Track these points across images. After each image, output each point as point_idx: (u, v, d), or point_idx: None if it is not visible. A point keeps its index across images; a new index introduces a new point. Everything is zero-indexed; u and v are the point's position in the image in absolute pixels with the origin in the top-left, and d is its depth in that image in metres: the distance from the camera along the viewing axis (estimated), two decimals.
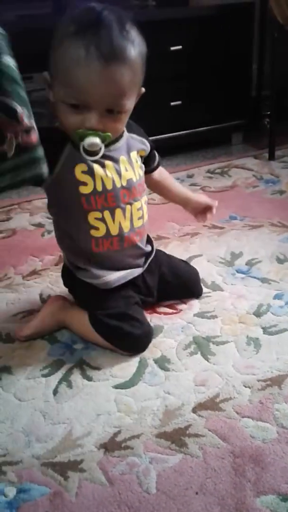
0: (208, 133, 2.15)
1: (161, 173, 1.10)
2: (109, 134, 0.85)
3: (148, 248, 1.05)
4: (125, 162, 0.93)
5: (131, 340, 0.96)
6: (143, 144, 0.99)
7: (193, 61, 2.03)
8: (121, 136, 0.94)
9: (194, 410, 0.84)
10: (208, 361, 0.95)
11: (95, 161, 0.89)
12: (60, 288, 1.16)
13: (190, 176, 1.87)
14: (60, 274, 1.10)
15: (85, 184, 0.90)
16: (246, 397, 0.86)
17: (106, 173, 0.91)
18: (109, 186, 0.91)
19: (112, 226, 0.94)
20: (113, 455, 0.77)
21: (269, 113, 2.09)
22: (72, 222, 0.95)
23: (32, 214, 1.61)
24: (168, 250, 1.34)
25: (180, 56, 1.98)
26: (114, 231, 0.94)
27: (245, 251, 1.33)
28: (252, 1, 2.09)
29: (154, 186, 1.11)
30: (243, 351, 0.97)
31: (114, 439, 0.80)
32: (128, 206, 0.95)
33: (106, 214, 0.93)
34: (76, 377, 0.93)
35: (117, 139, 0.93)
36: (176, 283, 1.10)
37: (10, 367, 0.96)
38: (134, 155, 0.96)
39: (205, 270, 1.25)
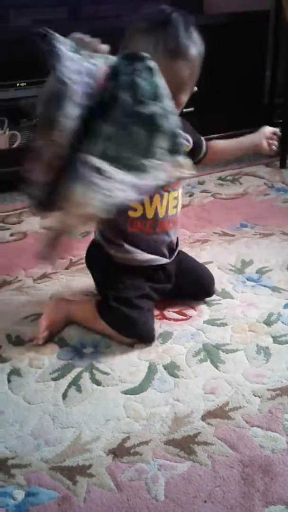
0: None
1: (212, 151, 1.14)
2: None
3: (176, 239, 1.09)
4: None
5: (130, 324, 0.99)
6: (186, 141, 1.02)
7: (206, 68, 2.03)
8: None
9: (203, 418, 0.84)
10: (217, 369, 0.95)
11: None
12: (70, 291, 1.16)
13: (201, 183, 1.87)
14: (70, 277, 1.11)
15: None
16: (256, 406, 0.86)
17: (160, 202, 1.00)
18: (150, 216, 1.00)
19: (148, 209, 1.00)
20: (122, 461, 0.77)
21: (281, 121, 2.08)
22: None
23: (43, 218, 1.62)
24: None
25: None
26: (149, 214, 1.00)
27: (256, 259, 1.33)
28: (266, 9, 2.10)
29: (213, 159, 1.18)
30: (253, 360, 0.97)
31: (123, 445, 0.80)
32: (166, 194, 1.00)
33: (145, 197, 0.95)
34: (86, 381, 0.93)
35: None
36: (191, 279, 1.12)
37: (19, 369, 0.96)
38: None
39: (216, 277, 1.24)
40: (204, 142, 1.13)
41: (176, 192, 1.03)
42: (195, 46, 0.91)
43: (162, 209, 1.01)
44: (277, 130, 1.18)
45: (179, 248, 1.13)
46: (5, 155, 1.85)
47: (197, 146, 1.09)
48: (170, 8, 0.91)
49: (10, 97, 1.87)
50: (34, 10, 2.00)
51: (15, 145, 1.89)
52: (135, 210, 1.00)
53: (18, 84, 1.86)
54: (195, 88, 0.97)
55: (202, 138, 1.14)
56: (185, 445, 0.79)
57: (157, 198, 0.99)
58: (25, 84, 1.87)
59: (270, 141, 1.18)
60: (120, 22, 1.95)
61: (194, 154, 1.09)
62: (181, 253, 1.14)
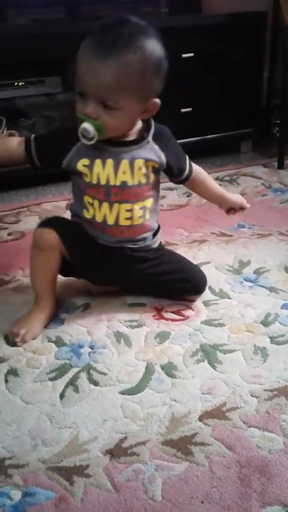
0: (218, 141, 2.16)
1: (196, 177, 1.15)
2: (102, 124, 0.93)
3: (137, 246, 1.10)
4: (125, 165, 1.00)
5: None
6: (157, 157, 1.03)
7: (204, 68, 2.03)
8: (136, 141, 1.01)
9: (200, 419, 0.84)
10: (215, 369, 0.95)
11: (99, 157, 1.00)
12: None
13: None
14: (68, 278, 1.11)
15: (85, 175, 1.02)
16: (253, 406, 0.86)
17: (103, 169, 1.00)
18: (102, 181, 1.01)
19: (98, 214, 1.04)
20: (119, 461, 0.77)
21: (279, 122, 2.09)
22: (76, 192, 1.09)
23: (41, 217, 1.62)
24: None
25: (192, 63, 1.99)
26: (98, 218, 1.05)
27: (253, 259, 1.33)
28: (264, 10, 2.10)
29: (190, 188, 1.20)
30: (250, 360, 0.97)
31: (120, 445, 0.80)
32: (116, 204, 1.03)
33: (95, 202, 1.04)
34: (83, 381, 0.93)
35: (131, 143, 1.01)
36: (179, 277, 1.12)
37: (17, 369, 0.96)
38: (139, 162, 1.01)
39: (213, 277, 1.25)
40: (187, 166, 1.11)
41: (129, 205, 1.03)
42: (133, 52, 0.88)
43: (112, 217, 1.04)
44: (247, 207, 1.21)
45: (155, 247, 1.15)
46: None
47: (174, 167, 1.08)
48: (129, 16, 0.92)
49: (8, 97, 1.86)
50: (33, 10, 2.00)
51: None
52: (88, 210, 1.05)
53: (16, 84, 1.86)
54: (155, 100, 0.97)
55: (188, 161, 1.12)
56: (182, 446, 0.79)
57: (106, 205, 1.03)
58: (23, 83, 1.87)
59: (234, 210, 1.23)
60: None
61: (172, 174, 1.10)
62: (166, 253, 1.17)
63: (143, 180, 1.03)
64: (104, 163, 1.00)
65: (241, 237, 1.45)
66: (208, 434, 0.81)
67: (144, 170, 1.02)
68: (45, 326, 1.07)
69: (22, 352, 1.01)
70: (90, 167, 1.00)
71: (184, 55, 1.96)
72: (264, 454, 0.78)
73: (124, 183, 1.01)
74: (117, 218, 1.04)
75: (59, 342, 1.04)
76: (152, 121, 1.05)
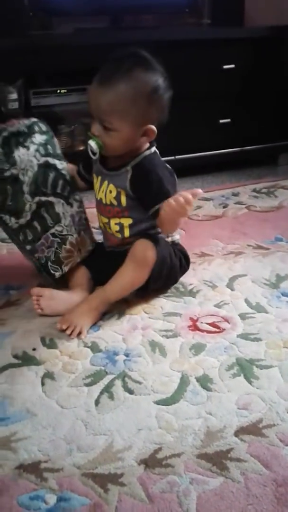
0: (256, 152, 2.15)
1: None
2: (101, 142, 1.07)
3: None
4: (104, 186, 1.15)
5: None
6: (126, 186, 1.11)
7: (245, 80, 2.03)
8: (118, 168, 1.12)
9: (236, 434, 0.83)
10: (251, 384, 0.94)
11: (97, 173, 1.17)
12: None
13: (235, 194, 1.86)
14: None
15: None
16: None
17: (96, 183, 1.18)
18: (96, 192, 1.19)
19: (100, 222, 1.23)
20: (154, 472, 0.77)
21: None
22: None
23: None
24: (212, 268, 1.35)
25: (233, 75, 1.99)
26: (100, 225, 1.23)
27: None
28: None
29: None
30: (287, 377, 0.95)
31: (155, 456, 0.80)
32: (99, 214, 1.21)
33: (98, 213, 1.22)
34: (118, 389, 0.93)
35: (113, 169, 1.13)
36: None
37: (53, 373, 0.97)
38: (111, 187, 1.14)
39: (250, 290, 1.24)
40: (159, 203, 1.06)
41: (105, 218, 1.18)
42: (126, 82, 1.01)
43: (108, 229, 1.20)
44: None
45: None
46: None
47: (143, 200, 1.11)
48: (138, 51, 1.05)
49: (50, 104, 1.90)
50: (77, 18, 2.04)
51: None
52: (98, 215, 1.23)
53: (58, 91, 1.89)
54: (151, 127, 1.07)
55: (163, 198, 1.05)
56: (218, 460, 0.79)
57: (104, 218, 1.19)
58: (65, 91, 1.90)
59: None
60: (161, 33, 1.97)
61: (142, 205, 1.12)
62: None
63: (114, 202, 1.14)
64: (97, 179, 1.17)
65: (279, 251, 1.43)
66: (244, 450, 0.80)
67: (114, 193, 1.13)
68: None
69: (59, 355, 1.02)
70: (94, 178, 1.19)
71: (225, 67, 1.96)
72: None
73: (101, 200, 1.17)
74: (111, 230, 1.18)
75: (94, 348, 1.04)
76: (147, 152, 1.12)
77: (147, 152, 1.12)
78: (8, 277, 1.33)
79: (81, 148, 1.97)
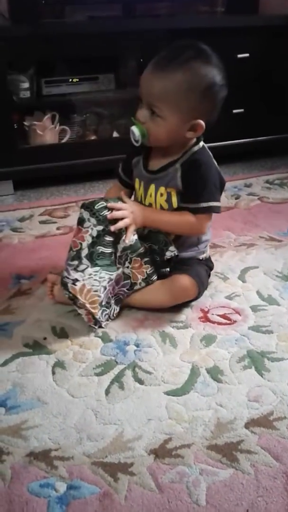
0: (269, 143, 2.12)
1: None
2: (145, 129, 1.03)
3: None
4: (152, 190, 1.11)
5: None
6: (177, 184, 1.07)
7: (259, 69, 2.00)
8: (165, 168, 1.08)
9: (246, 426, 0.83)
10: (262, 376, 0.93)
11: (139, 177, 1.14)
12: None
13: (247, 186, 1.84)
14: None
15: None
16: None
17: (139, 189, 1.14)
18: (138, 199, 1.15)
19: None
20: (163, 462, 0.77)
21: None
22: None
23: None
24: (224, 260, 1.34)
25: (247, 64, 1.96)
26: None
27: None
28: None
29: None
30: None
31: (165, 446, 0.80)
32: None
33: None
34: (128, 379, 0.93)
35: (159, 171, 1.09)
36: None
37: (64, 362, 0.98)
38: (161, 189, 1.09)
39: (261, 282, 1.23)
40: (196, 205, 1.07)
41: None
42: (182, 72, 0.98)
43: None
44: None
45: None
46: (54, 149, 1.87)
47: (187, 194, 1.08)
48: (196, 43, 1.02)
49: (62, 92, 1.89)
50: (90, 7, 2.02)
51: (64, 140, 1.91)
52: None
53: (70, 80, 1.88)
54: (198, 121, 1.02)
55: (205, 204, 1.07)
56: (228, 452, 0.78)
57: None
58: (77, 80, 1.89)
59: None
60: (174, 21, 1.94)
61: (183, 198, 1.09)
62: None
63: (165, 205, 1.10)
64: (140, 184, 1.14)
65: None
66: (254, 442, 0.80)
67: (165, 196, 1.09)
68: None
69: (69, 345, 1.02)
70: (135, 183, 1.15)
71: (239, 56, 1.94)
72: None
73: (150, 205, 1.12)
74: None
75: (105, 338, 1.04)
76: (195, 148, 1.08)
77: (196, 148, 1.08)
78: (20, 266, 1.33)
79: (93, 137, 1.97)
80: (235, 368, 0.96)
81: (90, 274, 1.03)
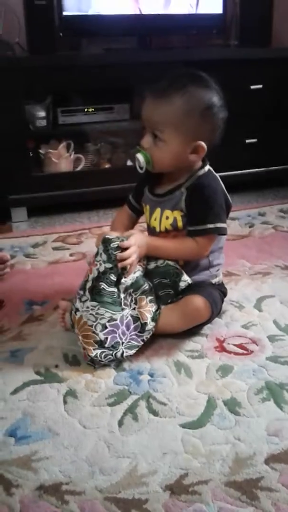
0: (282, 172, 2.12)
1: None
2: (149, 156, 1.06)
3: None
4: (157, 214, 1.12)
5: None
6: (182, 207, 1.08)
7: (272, 100, 2.02)
8: (170, 192, 1.10)
9: (266, 462, 0.79)
10: (281, 409, 0.90)
11: (146, 202, 1.16)
12: None
13: (261, 214, 1.83)
14: None
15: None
16: None
17: (152, 216, 1.14)
18: (147, 221, 1.17)
19: None
20: (180, 499, 0.73)
21: None
22: None
23: None
24: (239, 288, 1.32)
25: (260, 95, 1.98)
26: None
27: None
28: None
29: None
30: None
31: (181, 482, 0.76)
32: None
33: None
34: (142, 410, 0.90)
35: (165, 194, 1.11)
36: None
37: (75, 391, 0.95)
38: (166, 212, 1.10)
39: (278, 311, 1.20)
40: (196, 228, 1.08)
41: None
42: (181, 96, 1.02)
43: None
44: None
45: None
46: (69, 177, 1.89)
47: (189, 217, 1.09)
48: (195, 71, 1.07)
49: (78, 122, 1.92)
50: (105, 39, 2.07)
51: (79, 168, 1.93)
52: None
53: (86, 110, 1.91)
54: (200, 143, 1.04)
55: (206, 227, 1.07)
56: (247, 489, 0.74)
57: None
58: (93, 109, 1.92)
59: None
60: (188, 53, 1.98)
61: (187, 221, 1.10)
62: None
63: (170, 228, 1.11)
64: (146, 207, 1.17)
65: None
66: (275, 479, 0.76)
67: (171, 220, 1.10)
68: None
69: (81, 373, 1.00)
70: (144, 209, 1.18)
71: (252, 87, 1.96)
72: None
73: (154, 228, 1.14)
74: None
75: (118, 367, 1.02)
76: (200, 172, 1.09)
77: (201, 172, 1.09)
78: (32, 292, 1.32)
79: (107, 166, 1.98)
80: (253, 400, 0.92)
81: (88, 307, 1.02)
